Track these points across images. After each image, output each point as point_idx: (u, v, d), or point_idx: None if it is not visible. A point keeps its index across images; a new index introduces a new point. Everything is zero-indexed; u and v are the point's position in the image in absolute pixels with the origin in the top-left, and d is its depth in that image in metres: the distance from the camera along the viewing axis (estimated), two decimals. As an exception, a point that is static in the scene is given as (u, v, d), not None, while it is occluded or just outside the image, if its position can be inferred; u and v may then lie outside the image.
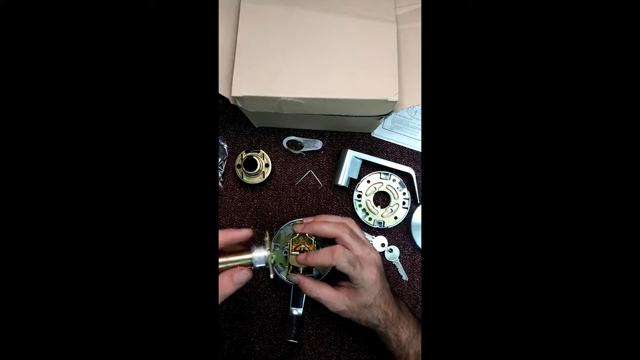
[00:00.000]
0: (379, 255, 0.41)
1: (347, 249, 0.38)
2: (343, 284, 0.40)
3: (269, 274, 0.38)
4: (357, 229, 0.41)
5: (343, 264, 0.37)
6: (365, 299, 0.39)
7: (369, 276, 0.38)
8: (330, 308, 0.39)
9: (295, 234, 0.42)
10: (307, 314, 0.50)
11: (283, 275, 0.45)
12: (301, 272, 0.42)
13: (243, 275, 0.35)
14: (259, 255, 0.37)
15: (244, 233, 0.36)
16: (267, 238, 0.38)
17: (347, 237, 0.38)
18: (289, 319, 0.48)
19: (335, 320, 0.49)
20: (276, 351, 0.49)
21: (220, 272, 0.35)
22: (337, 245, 0.38)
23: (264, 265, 0.37)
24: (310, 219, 0.41)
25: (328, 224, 0.39)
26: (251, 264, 0.37)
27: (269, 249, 0.38)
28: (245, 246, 0.38)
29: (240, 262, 0.37)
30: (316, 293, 0.39)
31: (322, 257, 0.37)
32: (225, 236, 0.35)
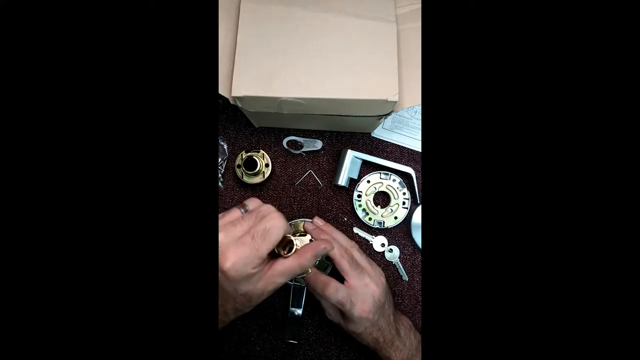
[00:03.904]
0: (381, 282, 0.40)
1: (344, 276, 0.38)
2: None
3: None
4: (358, 255, 0.40)
5: (333, 301, 0.38)
6: (354, 329, 0.39)
7: (359, 313, 0.38)
8: (327, 315, 0.41)
9: (296, 232, 0.42)
10: (307, 314, 0.50)
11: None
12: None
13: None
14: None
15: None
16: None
17: (345, 265, 0.38)
18: (289, 319, 0.48)
19: (335, 320, 0.49)
20: (276, 351, 0.49)
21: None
22: (332, 282, 0.38)
23: None
24: (320, 222, 0.41)
25: (332, 244, 0.38)
26: None
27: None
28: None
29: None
30: (319, 297, 0.41)
31: (315, 283, 0.38)
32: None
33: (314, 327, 0.50)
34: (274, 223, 0.31)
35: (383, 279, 0.40)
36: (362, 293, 0.38)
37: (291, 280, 0.46)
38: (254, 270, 0.31)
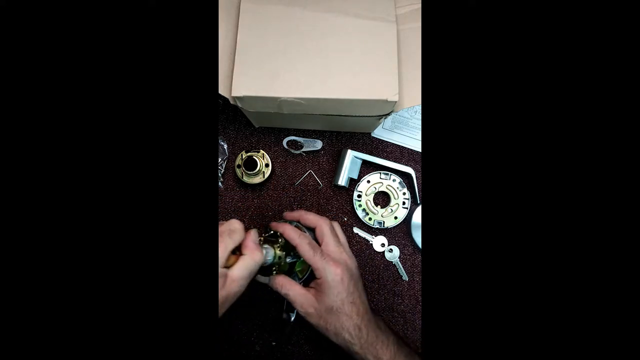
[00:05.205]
0: (352, 260, 0.41)
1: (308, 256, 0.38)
2: (312, 284, 0.40)
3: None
4: (329, 234, 0.41)
5: (304, 248, 0.38)
6: (331, 300, 0.37)
7: (334, 269, 0.38)
8: (298, 308, 0.39)
9: (267, 231, 0.42)
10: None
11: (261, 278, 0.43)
12: (274, 273, 0.41)
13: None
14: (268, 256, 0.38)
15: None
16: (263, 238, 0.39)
17: (304, 247, 0.38)
18: (277, 322, 0.48)
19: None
20: (276, 351, 0.49)
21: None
22: (300, 233, 0.39)
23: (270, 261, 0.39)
24: (292, 214, 0.42)
25: (290, 228, 0.39)
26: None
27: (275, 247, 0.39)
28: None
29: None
30: (286, 289, 0.39)
31: (289, 235, 0.39)
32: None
33: (313, 327, 0.50)
34: (236, 225, 0.36)
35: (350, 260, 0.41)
36: (334, 257, 0.39)
37: None
38: (221, 270, 0.33)
